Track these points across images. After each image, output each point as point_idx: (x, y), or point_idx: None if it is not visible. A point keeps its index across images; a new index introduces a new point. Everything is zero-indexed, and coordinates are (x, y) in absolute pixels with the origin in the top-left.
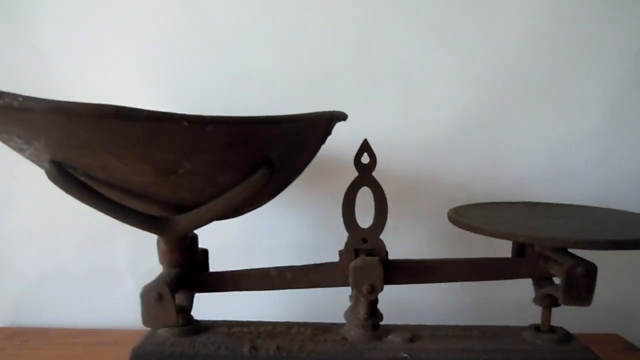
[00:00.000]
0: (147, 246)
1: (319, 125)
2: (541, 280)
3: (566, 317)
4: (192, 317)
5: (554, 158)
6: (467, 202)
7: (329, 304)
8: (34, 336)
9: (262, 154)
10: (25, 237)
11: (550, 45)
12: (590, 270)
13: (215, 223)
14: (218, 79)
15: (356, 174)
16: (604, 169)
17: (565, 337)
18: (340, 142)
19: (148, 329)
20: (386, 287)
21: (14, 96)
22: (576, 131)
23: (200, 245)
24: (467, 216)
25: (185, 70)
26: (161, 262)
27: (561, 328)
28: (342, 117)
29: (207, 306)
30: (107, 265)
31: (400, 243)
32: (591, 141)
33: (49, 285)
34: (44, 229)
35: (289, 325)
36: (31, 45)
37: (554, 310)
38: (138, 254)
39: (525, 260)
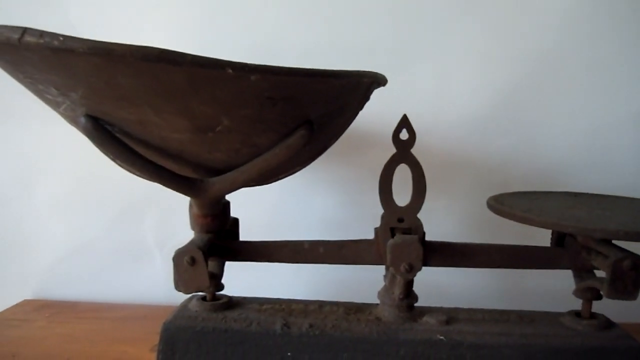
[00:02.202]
0: (175, 222)
1: (360, 87)
2: (582, 272)
3: (603, 305)
4: (222, 284)
5: (591, 141)
6: (502, 184)
7: (359, 286)
8: (63, 309)
9: (302, 112)
10: (55, 211)
11: (588, 27)
12: (638, 264)
13: (245, 196)
14: (249, 58)
15: (389, 151)
16: None
17: (607, 323)
18: (374, 118)
19: (177, 304)
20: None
21: (55, 35)
22: (614, 115)
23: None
24: (507, 204)
25: (214, 48)
26: (192, 228)
27: (602, 315)
28: (382, 81)
29: (237, 284)
30: (136, 241)
31: (432, 224)
32: (629, 125)
33: (78, 260)
34: (74, 203)
35: (321, 304)
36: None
37: None
38: (166, 230)
39: (567, 251)
